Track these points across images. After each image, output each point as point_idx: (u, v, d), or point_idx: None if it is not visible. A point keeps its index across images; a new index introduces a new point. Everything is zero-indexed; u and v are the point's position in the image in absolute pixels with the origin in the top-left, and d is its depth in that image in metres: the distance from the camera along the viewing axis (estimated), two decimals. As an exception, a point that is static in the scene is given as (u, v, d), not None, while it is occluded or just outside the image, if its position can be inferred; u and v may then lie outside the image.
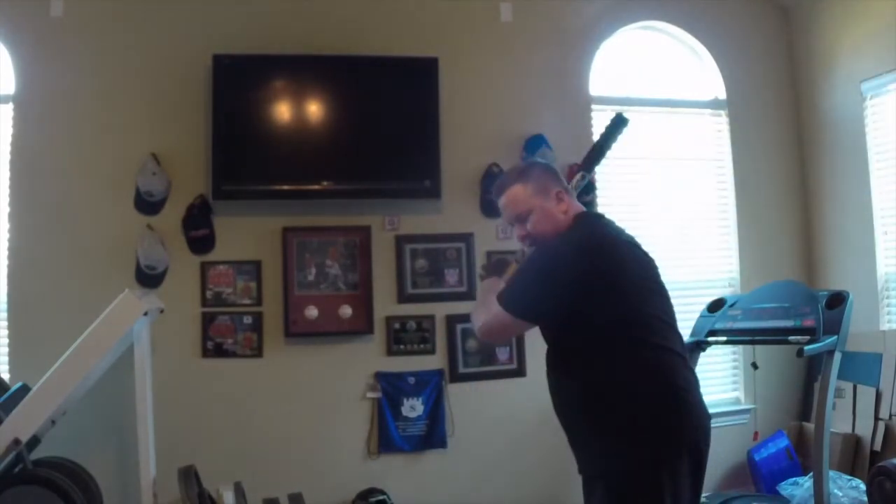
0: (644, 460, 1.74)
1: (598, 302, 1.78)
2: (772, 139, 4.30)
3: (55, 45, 3.45)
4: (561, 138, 3.85)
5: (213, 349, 3.49)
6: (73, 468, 2.97)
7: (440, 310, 3.71)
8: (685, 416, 1.79)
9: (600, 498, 1.78)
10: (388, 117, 3.66)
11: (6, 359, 3.32)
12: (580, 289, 1.77)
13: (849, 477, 3.39)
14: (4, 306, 3.35)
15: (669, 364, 1.81)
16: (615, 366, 1.78)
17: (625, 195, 4.06)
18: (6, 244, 3.37)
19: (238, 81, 3.50)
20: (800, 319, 3.21)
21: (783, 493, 3.54)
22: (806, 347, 3.04)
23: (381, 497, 3.45)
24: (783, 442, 3.84)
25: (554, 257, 1.83)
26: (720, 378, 4.16)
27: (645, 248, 2.00)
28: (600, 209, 3.80)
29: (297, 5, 3.69)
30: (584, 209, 2.01)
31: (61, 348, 2.79)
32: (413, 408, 3.64)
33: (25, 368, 3.15)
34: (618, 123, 2.24)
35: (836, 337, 3.05)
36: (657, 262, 1.99)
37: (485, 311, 1.95)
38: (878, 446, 3.53)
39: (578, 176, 2.21)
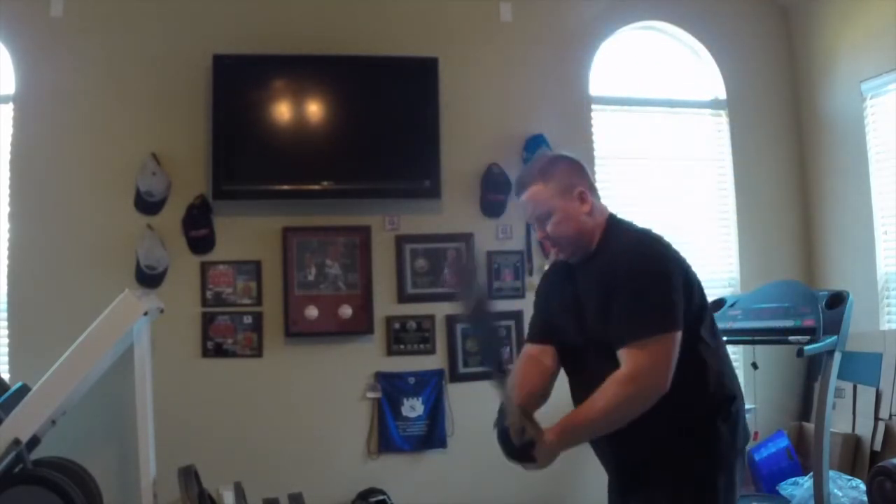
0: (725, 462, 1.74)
1: (696, 301, 1.75)
2: (772, 139, 4.30)
3: (55, 45, 3.45)
4: (561, 138, 3.84)
5: (213, 349, 3.49)
6: (73, 468, 2.96)
7: (440, 310, 3.71)
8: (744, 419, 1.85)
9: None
10: (388, 117, 3.66)
11: (6, 359, 3.32)
12: (685, 285, 1.72)
13: (849, 477, 3.38)
14: (4, 306, 3.35)
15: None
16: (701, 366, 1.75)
17: (625, 195, 4.06)
18: (6, 244, 3.37)
19: (238, 81, 3.50)
20: (800, 319, 3.21)
21: (783, 493, 3.54)
22: (806, 347, 3.04)
23: (381, 497, 3.45)
24: (783, 442, 3.84)
25: (654, 260, 1.72)
26: (720, 378, 4.16)
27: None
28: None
29: (297, 5, 3.69)
30: (610, 211, 1.90)
31: (61, 348, 2.79)
32: (413, 408, 3.64)
33: (25, 368, 3.15)
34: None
35: (836, 337, 3.05)
36: None
37: (633, 383, 1.64)
38: (878, 446, 3.53)
39: None
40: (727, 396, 1.77)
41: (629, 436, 1.68)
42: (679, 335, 1.65)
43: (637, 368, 1.63)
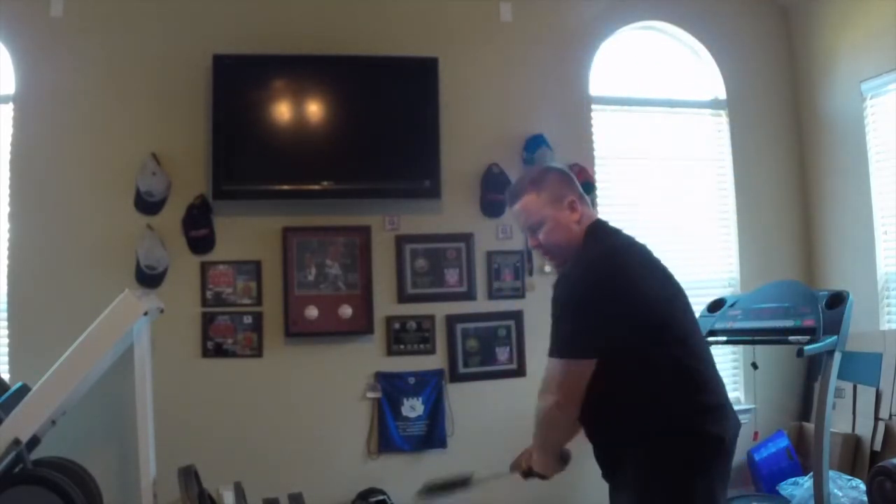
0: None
1: (651, 317, 1.74)
2: (772, 139, 4.30)
3: (55, 45, 3.45)
4: (561, 138, 3.85)
5: (213, 349, 3.49)
6: (73, 468, 2.96)
7: (440, 310, 3.71)
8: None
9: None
10: (388, 117, 3.66)
11: (6, 359, 3.32)
12: (618, 309, 1.72)
13: (849, 477, 3.39)
14: (4, 306, 3.35)
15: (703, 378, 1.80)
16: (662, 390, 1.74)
17: (625, 195, 4.07)
18: (6, 244, 3.37)
19: (238, 81, 3.50)
20: (800, 319, 3.21)
21: (783, 493, 3.54)
22: (806, 347, 3.04)
23: (381, 497, 3.45)
24: (783, 442, 3.84)
25: (580, 287, 1.75)
26: (720, 378, 4.16)
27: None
28: (600, 209, 3.80)
29: (297, 5, 3.69)
30: (596, 218, 1.94)
31: (61, 348, 2.79)
32: (413, 408, 3.64)
33: (25, 368, 3.15)
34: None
35: (836, 337, 3.05)
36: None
37: (543, 396, 1.79)
38: (878, 446, 3.53)
39: None
40: (703, 404, 1.75)
41: (607, 434, 1.79)
42: (583, 363, 1.71)
43: (542, 387, 1.79)
